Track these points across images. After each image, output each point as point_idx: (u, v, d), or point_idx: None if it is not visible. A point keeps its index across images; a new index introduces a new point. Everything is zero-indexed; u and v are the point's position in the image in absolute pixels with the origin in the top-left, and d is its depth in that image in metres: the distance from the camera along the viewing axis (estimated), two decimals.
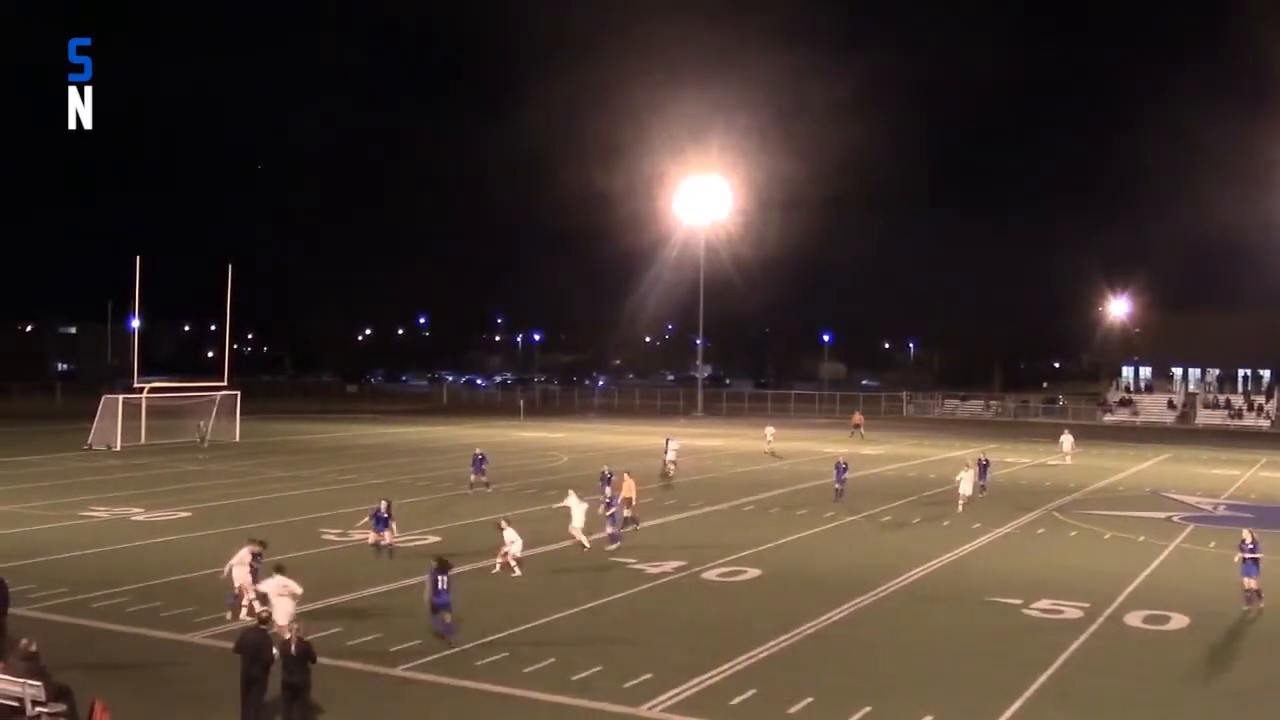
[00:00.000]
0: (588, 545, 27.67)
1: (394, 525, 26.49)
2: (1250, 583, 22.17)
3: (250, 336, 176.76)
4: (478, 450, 39.88)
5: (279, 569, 18.92)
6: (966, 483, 36.00)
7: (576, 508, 28.00)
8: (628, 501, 30.83)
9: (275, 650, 14.81)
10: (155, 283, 60.90)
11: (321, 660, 15.27)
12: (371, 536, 26.41)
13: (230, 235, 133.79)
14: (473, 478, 38.40)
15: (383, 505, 26.75)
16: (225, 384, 60.51)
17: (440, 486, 39.67)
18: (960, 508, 35.00)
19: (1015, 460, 53.31)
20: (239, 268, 61.63)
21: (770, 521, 33.22)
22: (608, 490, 30.35)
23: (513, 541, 24.96)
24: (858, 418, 71.26)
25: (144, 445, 53.35)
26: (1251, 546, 22.23)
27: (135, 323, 64.17)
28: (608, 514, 28.80)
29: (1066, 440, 54.41)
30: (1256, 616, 21.92)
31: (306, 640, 14.95)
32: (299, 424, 71.37)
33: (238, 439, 57.40)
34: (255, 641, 15.02)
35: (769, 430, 58.07)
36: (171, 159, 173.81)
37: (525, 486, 39.84)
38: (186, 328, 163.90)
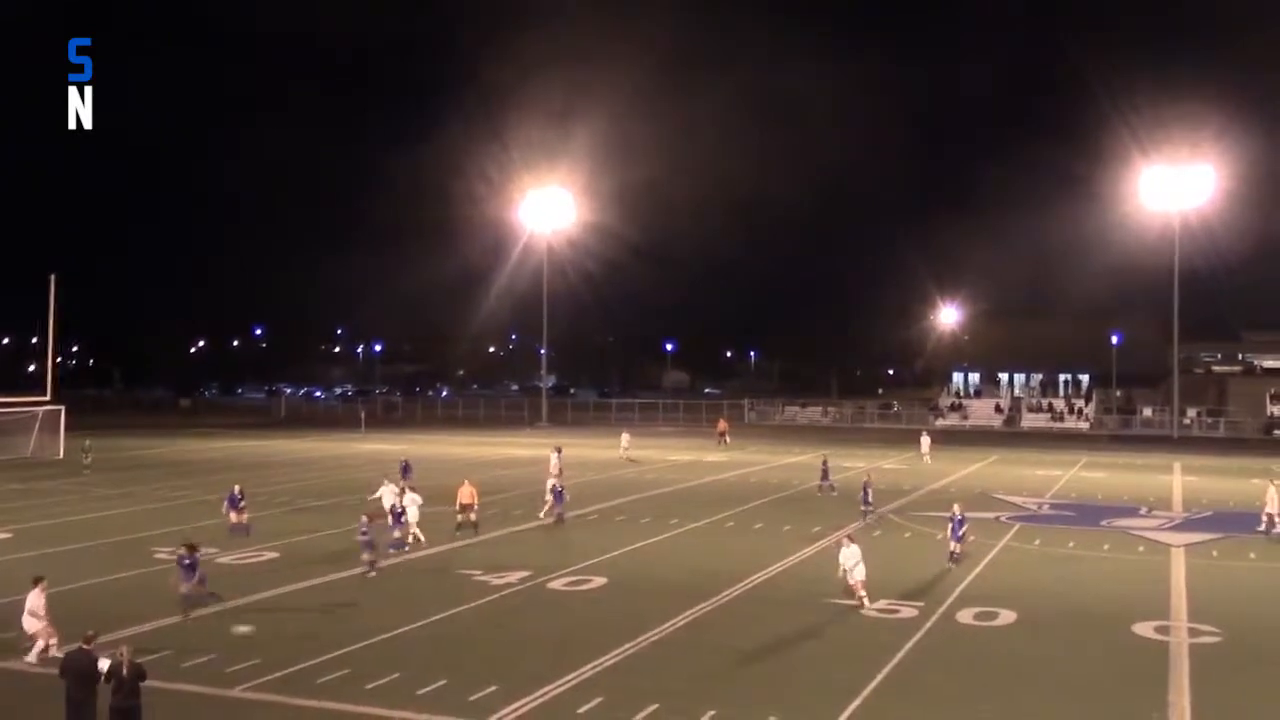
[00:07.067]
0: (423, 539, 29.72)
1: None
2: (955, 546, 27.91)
3: (76, 349, 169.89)
4: (236, 487, 33.25)
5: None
6: None
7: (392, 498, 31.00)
8: (467, 508, 32.25)
9: (103, 669, 14.23)
10: None
11: (155, 684, 14.75)
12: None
13: (55, 242, 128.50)
14: (232, 518, 32.04)
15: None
16: (48, 399, 57.95)
17: (277, 503, 38.67)
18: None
19: (852, 465, 54.65)
20: (64, 276, 59.23)
21: (615, 529, 33.36)
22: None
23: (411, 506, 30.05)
24: (722, 425, 71.87)
25: None
26: (961, 519, 28.36)
27: None
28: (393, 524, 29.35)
29: (925, 442, 59.42)
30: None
31: (138, 663, 14.41)
32: (129, 439, 68.71)
33: (62, 456, 54.96)
34: (81, 663, 14.43)
35: (625, 437, 59.51)
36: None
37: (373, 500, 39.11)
38: (5, 341, 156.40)
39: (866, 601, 22.65)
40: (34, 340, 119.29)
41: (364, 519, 26.58)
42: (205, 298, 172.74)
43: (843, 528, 33.18)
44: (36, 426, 56.04)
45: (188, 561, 21.71)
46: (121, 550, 28.57)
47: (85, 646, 14.87)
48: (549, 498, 35.35)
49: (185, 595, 21.58)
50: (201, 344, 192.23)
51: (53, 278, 57.95)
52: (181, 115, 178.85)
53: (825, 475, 43.39)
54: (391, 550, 28.05)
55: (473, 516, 32.23)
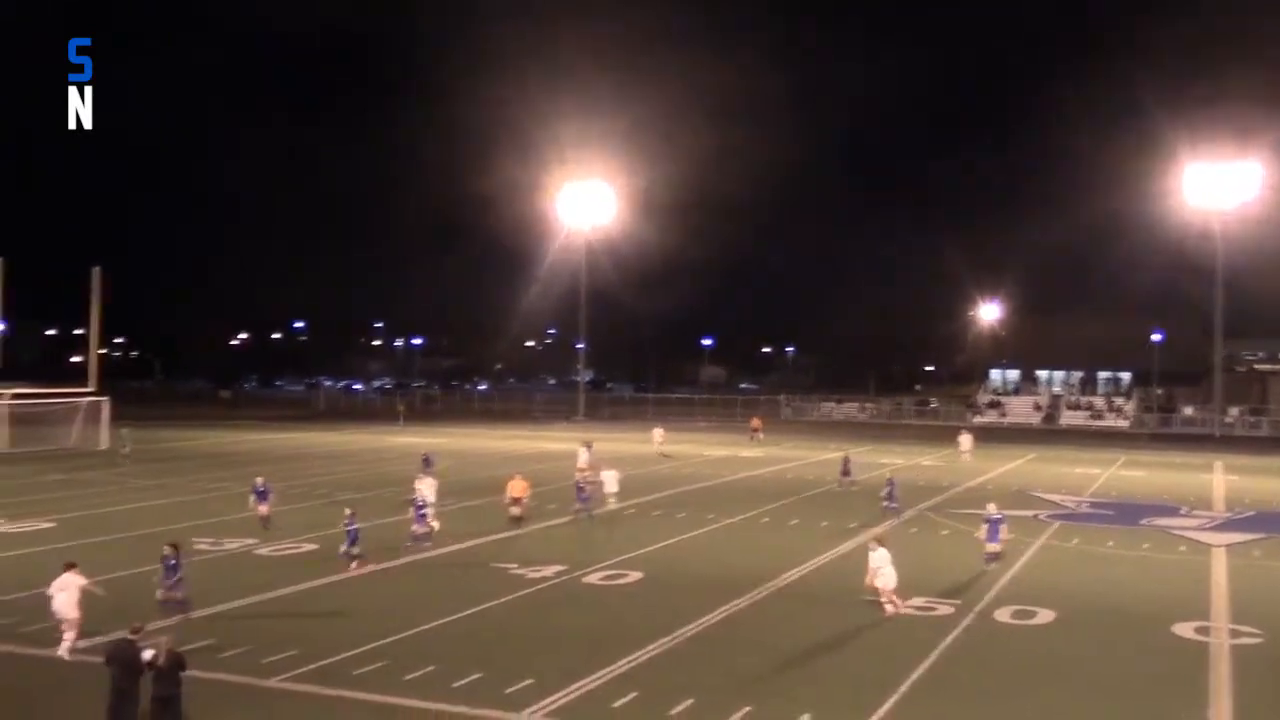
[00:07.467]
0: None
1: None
2: (992, 546, 26.73)
3: (119, 341, 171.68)
4: (259, 479, 32.40)
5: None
6: None
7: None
8: (517, 501, 32.53)
9: (146, 659, 14.40)
10: (18, 284, 59.07)
11: (194, 673, 14.89)
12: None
13: (100, 235, 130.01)
14: (261, 510, 30.92)
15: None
16: (92, 390, 58.67)
17: (316, 495, 38.96)
18: None
19: (889, 461, 54.40)
20: (109, 269, 60.12)
21: (652, 524, 33.37)
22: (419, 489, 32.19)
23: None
24: (756, 422, 71.44)
25: (6, 453, 51.38)
26: (999, 518, 27.06)
27: None
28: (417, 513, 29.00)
29: (965, 439, 59.01)
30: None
31: (178, 651, 14.57)
32: (169, 430, 69.46)
33: (104, 446, 55.63)
34: (125, 652, 14.60)
35: (657, 432, 59.71)
36: (37, 156, 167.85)
37: (408, 492, 39.29)
38: (51, 332, 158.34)
39: (900, 604, 22.33)
40: (78, 331, 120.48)
41: (348, 512, 26.39)
42: (247, 292, 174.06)
43: (875, 526, 33.04)
44: (79, 417, 56.75)
45: (173, 562, 21.29)
46: (157, 542, 28.79)
47: (131, 636, 15.05)
48: (608, 491, 35.55)
49: (162, 601, 21.08)
50: (243, 337, 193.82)
51: (96, 271, 58.74)
52: (226, 113, 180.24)
53: (847, 472, 43.80)
54: (426, 545, 28.15)
55: (518, 511, 32.36)
